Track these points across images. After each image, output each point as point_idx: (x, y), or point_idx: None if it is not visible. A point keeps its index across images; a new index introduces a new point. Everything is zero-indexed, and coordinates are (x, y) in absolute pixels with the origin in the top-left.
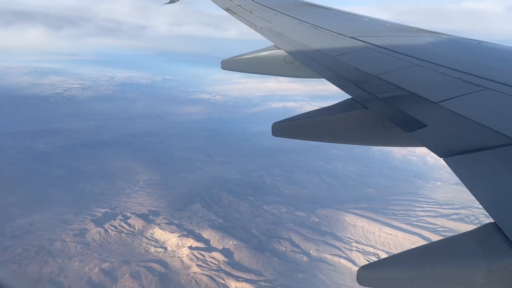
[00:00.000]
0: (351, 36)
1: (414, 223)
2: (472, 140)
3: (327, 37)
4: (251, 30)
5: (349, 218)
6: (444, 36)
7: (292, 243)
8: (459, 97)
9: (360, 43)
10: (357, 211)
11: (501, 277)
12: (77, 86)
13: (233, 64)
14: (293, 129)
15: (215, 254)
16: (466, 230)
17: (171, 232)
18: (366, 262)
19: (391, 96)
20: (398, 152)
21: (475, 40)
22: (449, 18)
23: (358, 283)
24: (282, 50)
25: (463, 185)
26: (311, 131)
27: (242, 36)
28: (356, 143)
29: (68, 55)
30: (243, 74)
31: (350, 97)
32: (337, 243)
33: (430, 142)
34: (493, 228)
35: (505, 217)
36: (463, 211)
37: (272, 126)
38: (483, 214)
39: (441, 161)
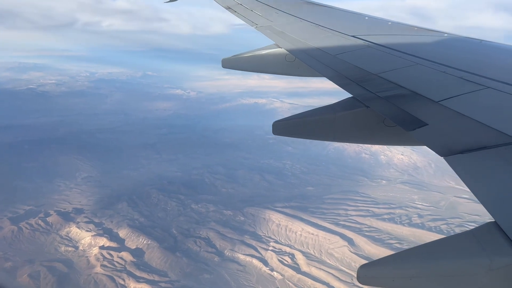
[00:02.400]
0: (352, 35)
1: (341, 222)
2: (473, 139)
3: (328, 36)
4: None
5: (275, 217)
6: (445, 35)
7: (209, 242)
8: (460, 96)
9: (361, 42)
10: (285, 210)
11: (501, 275)
12: (53, 81)
13: (234, 63)
14: (293, 128)
15: (124, 254)
16: (393, 231)
17: (88, 231)
18: (278, 263)
19: (392, 94)
20: (353, 150)
21: (476, 39)
22: (393, 15)
23: (358, 281)
24: (283, 49)
25: (407, 184)
26: (312, 130)
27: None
28: (357, 142)
29: (61, 50)
30: (227, 70)
31: (351, 95)
32: (254, 243)
33: (431, 141)
34: (494, 227)
35: (505, 216)
36: (397, 211)
37: (272, 125)
38: (417, 214)
39: (394, 159)
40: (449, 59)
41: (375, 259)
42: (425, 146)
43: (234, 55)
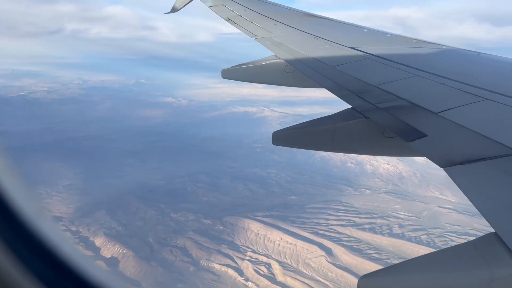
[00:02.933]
0: (351, 47)
1: (320, 232)
2: (472, 150)
3: (327, 47)
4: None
5: (254, 227)
6: (444, 47)
7: (185, 252)
8: (459, 107)
9: (360, 53)
10: (265, 219)
11: (502, 286)
12: (45, 89)
13: (234, 73)
14: (293, 138)
15: (98, 263)
16: (372, 241)
17: None
18: (254, 272)
19: (391, 106)
20: (339, 159)
21: (474, 51)
22: (377, 24)
23: None
24: (282, 60)
25: (391, 194)
26: (311, 140)
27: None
28: (356, 153)
29: (56, 58)
30: (220, 78)
31: (350, 106)
32: (231, 252)
33: (430, 152)
34: (494, 237)
35: (505, 227)
36: (379, 221)
37: (272, 135)
38: (398, 224)
39: (379, 169)
40: (448, 71)
41: (351, 269)
42: (417, 157)
43: (234, 66)
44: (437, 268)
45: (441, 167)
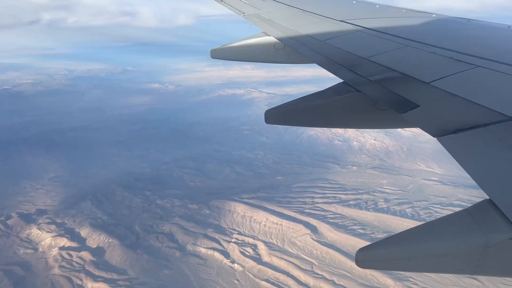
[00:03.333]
0: (340, 20)
1: (306, 211)
2: (465, 118)
3: (316, 22)
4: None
5: (240, 209)
6: (434, 15)
7: (171, 238)
8: (450, 76)
9: (350, 26)
10: (251, 201)
11: (498, 252)
12: (30, 81)
13: (223, 53)
14: (285, 116)
15: (84, 254)
16: (357, 216)
17: (49, 232)
18: (240, 254)
19: (382, 78)
20: (326, 137)
21: (464, 18)
22: None
23: (357, 265)
24: (271, 37)
25: (378, 169)
26: (304, 117)
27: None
28: (350, 127)
29: (41, 49)
30: (208, 62)
31: (341, 81)
32: (217, 236)
33: (423, 122)
34: (489, 204)
35: (500, 193)
36: (364, 196)
37: (265, 114)
38: (383, 198)
39: (366, 145)
40: (438, 40)
41: (336, 245)
42: (404, 130)
43: (223, 45)
44: (433, 236)
45: (434, 136)
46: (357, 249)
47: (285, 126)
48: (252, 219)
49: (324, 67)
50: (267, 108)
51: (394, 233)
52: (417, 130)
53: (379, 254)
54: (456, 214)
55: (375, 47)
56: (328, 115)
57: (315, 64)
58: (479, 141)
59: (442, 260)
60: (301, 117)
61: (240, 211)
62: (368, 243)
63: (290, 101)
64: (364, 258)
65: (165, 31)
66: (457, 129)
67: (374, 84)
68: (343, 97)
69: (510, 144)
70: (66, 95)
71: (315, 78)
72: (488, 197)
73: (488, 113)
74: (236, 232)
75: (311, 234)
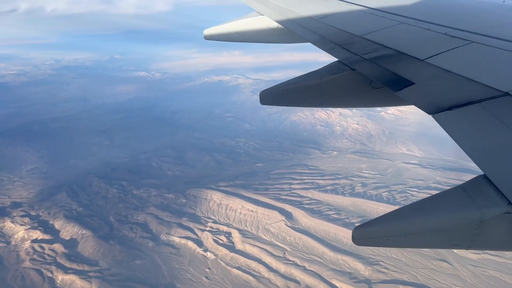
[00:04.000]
0: None
1: (282, 197)
2: (459, 95)
3: (310, 0)
4: None
5: (217, 197)
6: None
7: (145, 228)
8: (445, 52)
9: (344, 4)
10: (228, 189)
11: (492, 226)
12: (15, 72)
13: (216, 33)
14: (280, 96)
15: (56, 246)
16: (333, 201)
17: (22, 224)
18: (213, 243)
19: (377, 56)
20: (308, 122)
21: None
22: None
23: (354, 243)
24: (265, 16)
25: (358, 153)
26: (299, 97)
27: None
28: (345, 106)
29: (29, 39)
30: (198, 48)
31: (334, 60)
32: (192, 225)
33: (418, 99)
34: (483, 180)
35: (494, 168)
36: (342, 181)
37: (259, 94)
38: (361, 183)
39: (349, 129)
40: (433, 16)
41: (310, 231)
42: (382, 113)
43: (216, 26)
44: (428, 213)
45: (429, 114)
46: (330, 234)
47: (269, 112)
48: (228, 207)
49: (318, 46)
50: (251, 94)
51: (368, 218)
52: (399, 113)
53: (375, 231)
54: (451, 190)
55: (369, 25)
56: (322, 94)
57: (305, 48)
58: (473, 117)
59: (438, 236)
60: (296, 97)
61: (216, 199)
62: (341, 228)
63: (284, 81)
64: (360, 235)
65: (146, 18)
66: (451, 105)
67: (368, 62)
68: (337, 76)
69: (504, 119)
70: (51, 85)
71: (304, 62)
72: (482, 173)
73: (483, 89)
74: (211, 221)
75: (285, 220)
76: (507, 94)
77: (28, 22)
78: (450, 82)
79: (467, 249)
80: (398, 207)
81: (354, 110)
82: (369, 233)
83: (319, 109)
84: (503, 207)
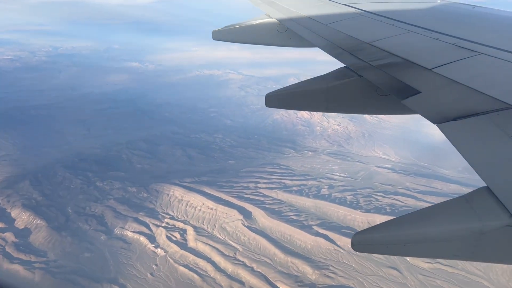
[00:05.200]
0: (344, 3)
1: (246, 196)
2: (465, 105)
3: (319, 5)
4: None
5: (179, 193)
6: (438, 1)
7: (101, 221)
8: (453, 63)
9: (353, 10)
10: (192, 185)
11: (492, 238)
12: (10, 57)
13: (225, 35)
14: (286, 99)
15: (8, 235)
16: (296, 203)
17: None
18: (166, 239)
19: (384, 63)
20: (290, 121)
21: (469, 4)
22: None
23: (353, 249)
24: (274, 19)
25: (333, 155)
26: (304, 101)
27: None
28: (350, 112)
29: (34, 25)
30: (198, 41)
31: (343, 65)
32: (148, 220)
33: (424, 108)
34: (486, 191)
35: (497, 181)
36: (310, 183)
37: (265, 97)
38: (328, 185)
39: (329, 130)
40: (442, 26)
41: (265, 232)
42: (372, 117)
43: (225, 27)
44: (429, 222)
45: (434, 123)
46: (285, 236)
47: (253, 109)
48: (188, 203)
49: (326, 51)
50: (238, 90)
51: (327, 221)
52: (383, 116)
53: (375, 238)
54: (453, 200)
55: (378, 32)
56: (328, 99)
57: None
58: (478, 129)
59: (438, 246)
60: (301, 101)
61: (178, 195)
62: (298, 230)
63: (290, 85)
64: (360, 241)
65: (151, 9)
66: (457, 116)
67: (375, 69)
68: (344, 82)
69: (509, 132)
70: (42, 73)
71: (301, 60)
72: (485, 184)
73: (489, 101)
74: (168, 217)
75: (243, 219)
76: None
77: (33, 8)
78: (456, 92)
79: (467, 260)
80: (358, 211)
81: None
82: (368, 240)
83: None
84: (504, 220)
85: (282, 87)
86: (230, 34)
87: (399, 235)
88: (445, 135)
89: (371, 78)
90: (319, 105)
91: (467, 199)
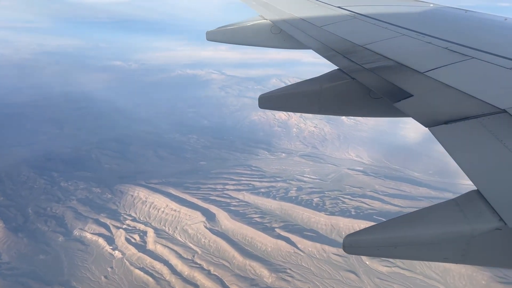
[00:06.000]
0: (338, 6)
1: (211, 197)
2: (457, 109)
3: (313, 7)
4: None
5: (144, 194)
6: (431, 5)
7: (61, 222)
8: (445, 66)
9: (347, 13)
10: (158, 186)
11: (482, 242)
12: None
13: (219, 35)
14: (278, 101)
15: None
16: (262, 205)
17: None
18: (124, 241)
19: (377, 66)
20: (267, 123)
21: (462, 9)
22: None
23: (344, 251)
24: (268, 21)
25: (306, 157)
26: (297, 103)
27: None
28: (342, 114)
29: (23, 22)
30: (187, 41)
31: (334, 67)
32: (109, 221)
33: (416, 112)
34: (476, 195)
35: (487, 184)
36: (279, 184)
37: (258, 98)
38: (297, 187)
39: (305, 132)
40: (435, 30)
41: (227, 234)
42: (343, 117)
43: (219, 28)
44: (420, 225)
45: (426, 127)
46: (247, 238)
47: (231, 109)
48: (152, 205)
49: (319, 53)
50: (219, 90)
51: (291, 223)
52: (360, 118)
53: (366, 241)
54: (443, 203)
55: (371, 35)
56: (320, 101)
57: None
58: (469, 133)
59: (428, 249)
60: (294, 102)
61: (142, 196)
62: (259, 232)
63: (283, 87)
64: (351, 244)
65: (142, 8)
66: (448, 119)
67: (368, 72)
68: (337, 84)
69: (500, 136)
70: (23, 70)
71: (286, 61)
72: (475, 188)
73: (481, 105)
74: (130, 218)
75: (205, 222)
76: (504, 111)
77: (25, 5)
78: (448, 96)
79: (457, 263)
80: (322, 214)
81: None
82: (359, 242)
83: None
84: (494, 223)
85: (262, 88)
86: (223, 35)
87: (390, 238)
88: (436, 138)
89: (364, 80)
90: (311, 107)
91: (457, 202)
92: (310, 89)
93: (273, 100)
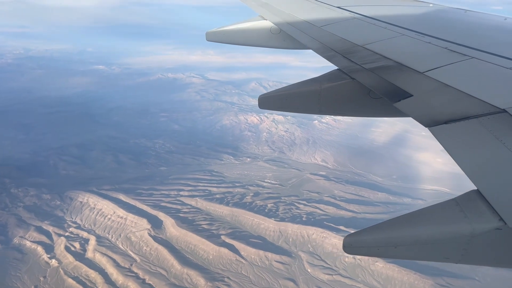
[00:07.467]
0: (337, 6)
1: (162, 204)
2: (457, 109)
3: (313, 7)
4: None
5: (93, 201)
6: (431, 5)
7: (2, 230)
8: (445, 66)
9: (347, 13)
10: (109, 193)
11: (482, 241)
12: None
13: (218, 36)
14: (278, 101)
15: None
16: (214, 211)
17: None
18: (63, 249)
19: (377, 66)
20: (238, 127)
21: (461, 9)
22: None
23: (344, 251)
24: (268, 21)
25: (271, 161)
26: (297, 103)
27: None
28: (342, 114)
29: (17, 27)
30: (173, 45)
31: (337, 67)
32: (51, 229)
33: (415, 112)
34: (476, 195)
35: (487, 184)
36: (236, 190)
37: (258, 99)
38: (254, 192)
39: (274, 136)
40: (434, 30)
41: (171, 242)
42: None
43: (218, 28)
44: (420, 225)
45: (426, 126)
46: (190, 246)
47: (204, 114)
48: (100, 212)
49: (319, 53)
50: (195, 95)
51: (240, 230)
52: (333, 123)
53: (366, 241)
54: (443, 203)
55: (371, 35)
56: (321, 101)
57: (278, 50)
58: (469, 132)
59: (428, 248)
60: (294, 102)
61: (91, 203)
62: (203, 240)
63: (283, 87)
64: (351, 244)
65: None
66: (448, 119)
67: (368, 72)
68: (337, 84)
69: (499, 136)
70: (4, 75)
71: (271, 65)
72: (476, 188)
73: (480, 105)
74: (74, 226)
75: (150, 229)
76: (504, 111)
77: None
78: (448, 96)
79: (457, 263)
80: (272, 220)
81: (289, 116)
82: (359, 242)
83: (253, 114)
84: (494, 223)
85: (240, 91)
86: (223, 35)
87: (390, 238)
88: (436, 138)
89: (364, 80)
90: (312, 107)
91: (457, 202)
92: (310, 89)
93: (273, 101)
